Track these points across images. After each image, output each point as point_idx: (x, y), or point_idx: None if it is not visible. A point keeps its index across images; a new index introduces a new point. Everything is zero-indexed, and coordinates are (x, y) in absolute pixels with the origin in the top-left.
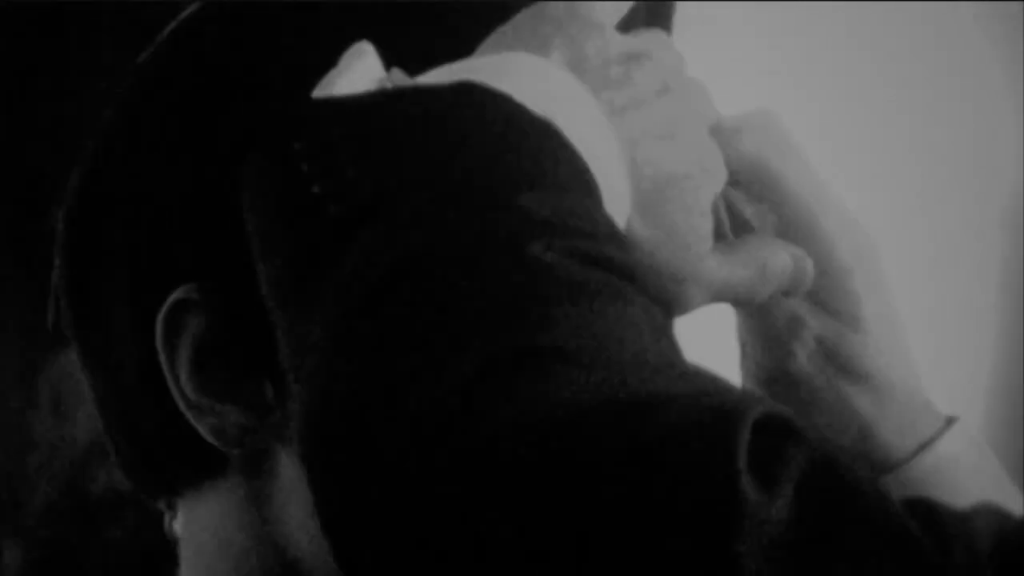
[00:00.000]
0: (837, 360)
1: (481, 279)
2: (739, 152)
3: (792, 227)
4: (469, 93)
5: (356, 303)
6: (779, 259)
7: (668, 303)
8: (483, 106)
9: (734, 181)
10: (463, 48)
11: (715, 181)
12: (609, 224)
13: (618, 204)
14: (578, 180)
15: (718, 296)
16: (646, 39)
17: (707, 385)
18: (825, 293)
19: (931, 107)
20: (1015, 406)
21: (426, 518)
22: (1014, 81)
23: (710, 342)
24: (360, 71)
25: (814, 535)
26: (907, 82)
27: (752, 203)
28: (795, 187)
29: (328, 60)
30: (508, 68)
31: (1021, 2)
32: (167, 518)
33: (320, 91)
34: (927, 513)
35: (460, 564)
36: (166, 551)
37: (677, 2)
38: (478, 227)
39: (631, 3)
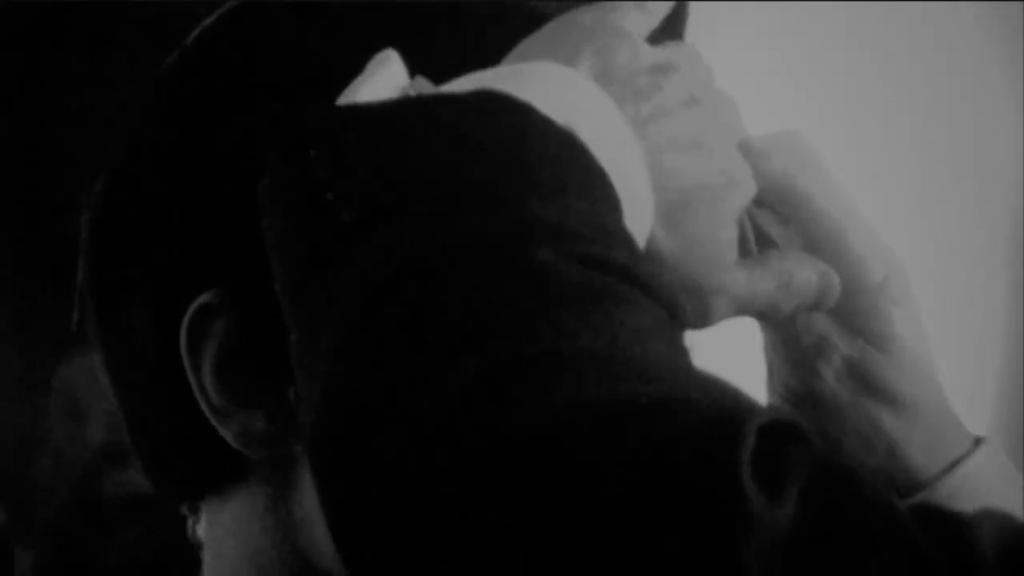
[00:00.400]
0: (864, 380)
1: (484, 282)
2: (766, 172)
3: (820, 246)
4: (490, 101)
5: (362, 306)
6: (804, 273)
7: (692, 315)
8: (503, 114)
9: (760, 201)
10: (492, 57)
11: (741, 194)
12: (624, 234)
13: (640, 216)
14: (597, 191)
15: (742, 309)
16: (675, 51)
17: (712, 390)
18: (853, 312)
19: (931, 107)
20: (1019, 405)
21: (426, 518)
22: (1014, 81)
23: (737, 360)
24: (384, 78)
25: (817, 538)
26: (907, 82)
27: (779, 223)
28: (822, 206)
29: (354, 67)
30: (533, 77)
31: (1021, 2)
32: (190, 522)
33: (344, 98)
34: (933, 518)
35: (460, 564)
36: (180, 554)
37: (689, 2)
38: (485, 229)
39: (661, 14)
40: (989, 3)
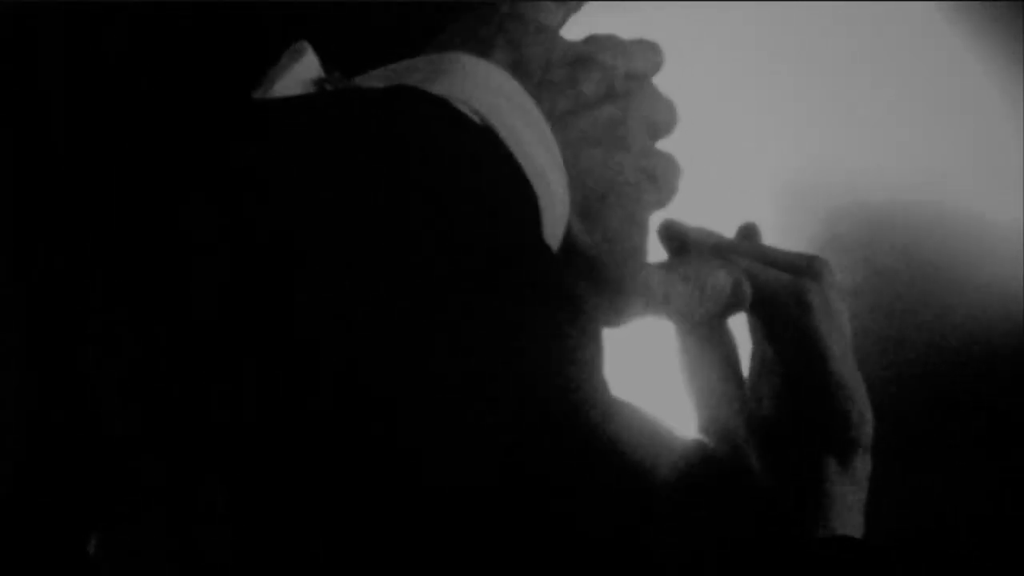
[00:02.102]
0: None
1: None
2: (782, 286)
3: (801, 374)
4: (401, 98)
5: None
6: (718, 279)
7: (605, 313)
8: (414, 111)
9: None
10: (409, 50)
11: (660, 191)
12: (536, 238)
13: (557, 209)
14: (511, 187)
15: (656, 309)
16: (596, 43)
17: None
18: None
19: (931, 107)
20: None
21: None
22: (1014, 81)
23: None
24: (297, 71)
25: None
26: (907, 82)
27: (764, 338)
28: (824, 344)
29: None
30: (449, 70)
31: (1021, 2)
32: (84, 542)
33: (259, 90)
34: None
35: None
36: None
37: (678, 1)
38: (396, 235)
39: (579, 6)
40: (989, 3)
